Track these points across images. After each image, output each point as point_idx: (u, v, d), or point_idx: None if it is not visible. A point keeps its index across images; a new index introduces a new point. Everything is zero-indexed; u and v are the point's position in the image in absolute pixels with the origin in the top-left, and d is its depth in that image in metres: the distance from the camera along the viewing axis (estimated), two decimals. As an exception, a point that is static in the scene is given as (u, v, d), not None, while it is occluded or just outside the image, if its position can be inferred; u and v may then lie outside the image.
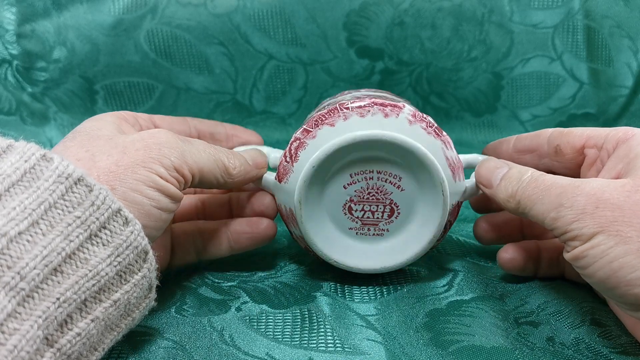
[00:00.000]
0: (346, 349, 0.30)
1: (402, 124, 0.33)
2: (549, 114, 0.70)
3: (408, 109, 0.34)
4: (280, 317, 0.33)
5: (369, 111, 0.33)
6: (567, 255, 0.29)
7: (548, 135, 0.36)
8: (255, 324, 0.32)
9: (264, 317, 0.33)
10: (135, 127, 0.35)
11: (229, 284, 0.37)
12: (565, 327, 0.32)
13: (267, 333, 0.31)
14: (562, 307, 0.34)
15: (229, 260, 0.40)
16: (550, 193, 0.30)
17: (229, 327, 0.32)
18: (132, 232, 0.26)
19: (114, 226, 0.26)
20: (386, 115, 0.33)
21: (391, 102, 0.34)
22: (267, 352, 0.30)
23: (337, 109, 0.34)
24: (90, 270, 0.25)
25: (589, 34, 0.66)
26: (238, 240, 0.37)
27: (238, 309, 0.34)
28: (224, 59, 0.65)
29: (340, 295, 0.36)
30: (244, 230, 0.37)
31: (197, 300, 0.35)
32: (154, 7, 0.63)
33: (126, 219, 0.26)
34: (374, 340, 0.31)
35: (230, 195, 0.39)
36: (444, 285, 0.37)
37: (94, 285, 0.25)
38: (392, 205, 0.35)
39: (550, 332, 0.32)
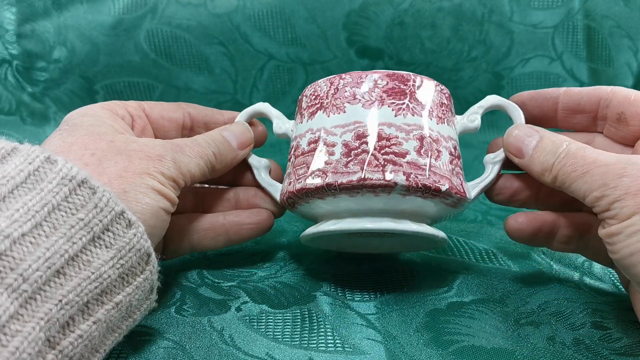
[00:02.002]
0: (346, 349, 0.30)
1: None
2: (549, 114, 0.69)
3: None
4: (280, 317, 0.33)
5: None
6: (601, 232, 0.29)
7: (609, 97, 0.34)
8: (255, 324, 0.32)
9: (263, 317, 0.33)
10: (126, 119, 0.35)
11: (229, 284, 0.37)
12: (566, 328, 0.32)
13: (267, 333, 0.31)
14: (562, 307, 0.34)
15: (229, 261, 0.40)
16: (594, 171, 0.29)
17: (229, 327, 0.32)
18: (135, 235, 0.26)
19: (117, 228, 0.26)
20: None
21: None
22: (267, 352, 0.30)
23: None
24: (92, 273, 0.25)
25: (589, 34, 0.66)
26: (239, 232, 0.38)
27: (238, 309, 0.34)
28: (224, 59, 0.65)
29: (340, 294, 0.36)
30: (245, 221, 0.38)
31: (197, 300, 0.35)
32: (154, 7, 0.63)
33: (129, 221, 0.26)
34: (374, 340, 0.31)
35: (229, 190, 0.40)
36: (444, 286, 0.37)
37: (96, 287, 0.25)
38: None
39: (551, 332, 0.32)
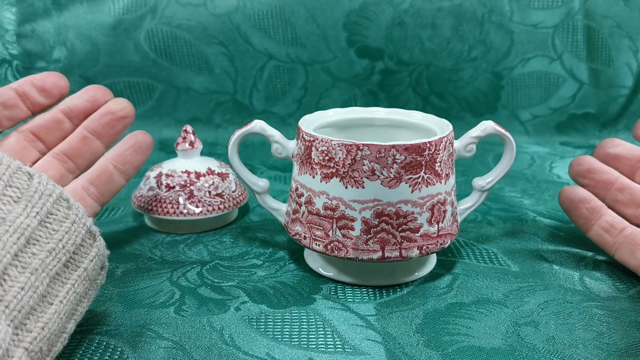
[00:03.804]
0: (346, 349, 0.30)
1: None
2: (549, 114, 0.69)
3: None
4: (280, 317, 0.33)
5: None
6: None
7: None
8: (255, 323, 0.32)
9: (263, 317, 0.33)
10: None
11: (229, 284, 0.37)
12: (565, 328, 0.32)
13: (267, 333, 0.31)
14: (562, 307, 0.34)
15: (229, 261, 0.40)
16: None
17: (228, 327, 0.32)
18: (76, 215, 0.28)
19: (59, 210, 0.28)
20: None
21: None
22: (267, 352, 0.30)
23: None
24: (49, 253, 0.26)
25: (589, 34, 0.66)
26: (125, 161, 0.37)
27: (237, 309, 0.34)
28: (224, 59, 0.65)
29: (340, 295, 0.36)
30: (125, 148, 0.38)
31: (196, 300, 0.35)
32: (154, 7, 0.63)
33: (68, 201, 0.28)
34: (373, 341, 0.31)
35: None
36: (444, 287, 0.37)
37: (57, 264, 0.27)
38: None
39: (551, 332, 0.32)
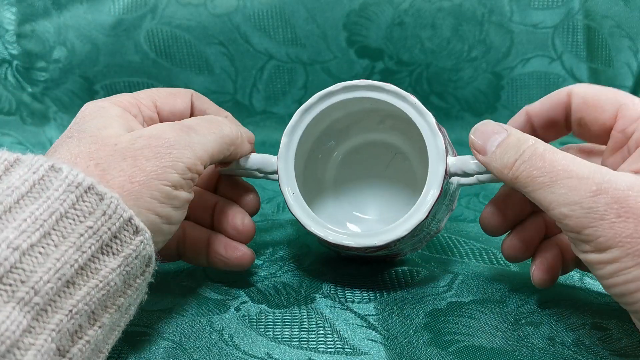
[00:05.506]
0: (346, 349, 0.30)
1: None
2: (549, 114, 0.69)
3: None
4: (280, 317, 0.33)
5: None
6: (581, 256, 0.27)
7: (569, 102, 0.32)
8: (255, 323, 0.32)
9: (263, 317, 0.33)
10: (138, 118, 0.33)
11: (229, 283, 0.37)
12: (566, 328, 0.32)
13: (267, 333, 0.31)
14: (562, 307, 0.34)
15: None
16: (563, 182, 0.26)
17: (228, 327, 0.32)
18: (141, 242, 0.26)
19: (125, 235, 0.26)
20: None
21: None
22: (267, 352, 0.30)
23: None
24: (100, 281, 0.24)
25: (589, 34, 0.66)
26: (213, 260, 0.36)
27: (237, 309, 0.34)
28: (224, 59, 0.65)
29: (340, 295, 0.36)
30: (219, 251, 0.35)
31: (196, 300, 0.35)
32: (154, 7, 0.63)
33: (136, 227, 0.26)
34: (373, 340, 0.31)
35: (217, 201, 0.37)
36: (443, 286, 0.37)
37: (103, 295, 0.25)
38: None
39: (551, 333, 0.32)
